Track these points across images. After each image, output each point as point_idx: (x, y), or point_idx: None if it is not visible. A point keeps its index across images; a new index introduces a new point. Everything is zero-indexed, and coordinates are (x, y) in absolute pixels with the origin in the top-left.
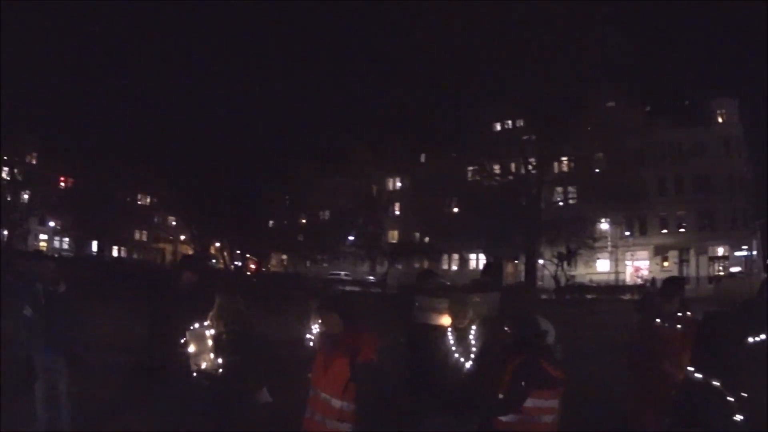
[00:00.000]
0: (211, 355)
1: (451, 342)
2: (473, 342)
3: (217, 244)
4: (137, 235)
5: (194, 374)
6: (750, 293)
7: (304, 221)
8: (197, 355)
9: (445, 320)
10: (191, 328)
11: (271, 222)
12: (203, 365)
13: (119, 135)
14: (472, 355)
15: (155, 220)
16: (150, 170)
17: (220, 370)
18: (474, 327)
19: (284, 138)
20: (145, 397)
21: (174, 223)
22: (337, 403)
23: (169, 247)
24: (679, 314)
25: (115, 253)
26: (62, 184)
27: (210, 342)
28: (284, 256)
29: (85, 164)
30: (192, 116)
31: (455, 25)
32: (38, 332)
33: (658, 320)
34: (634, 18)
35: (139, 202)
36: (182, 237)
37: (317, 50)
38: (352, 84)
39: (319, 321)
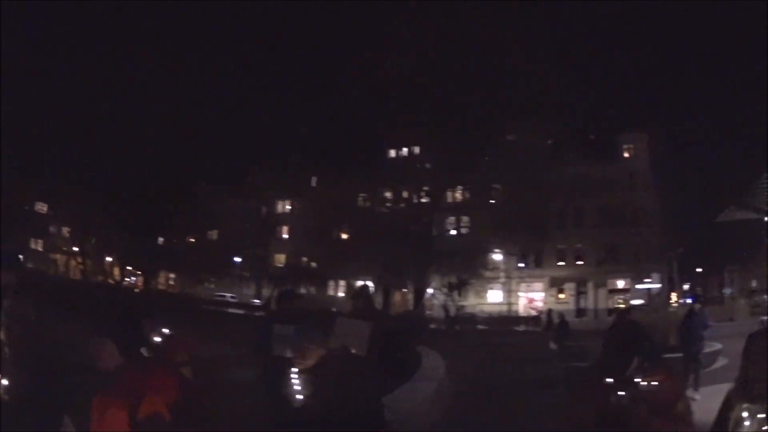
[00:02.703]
0: None
1: (297, 385)
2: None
3: (109, 259)
4: (33, 244)
5: None
6: (657, 325)
7: (193, 240)
8: None
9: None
10: None
11: (161, 239)
12: None
13: (16, 141)
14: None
15: (51, 229)
16: (46, 178)
17: (5, 396)
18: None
19: (179, 156)
20: None
21: (69, 234)
22: None
23: (64, 259)
24: None
25: None
26: None
27: None
28: (172, 275)
29: None
30: (90, 128)
31: (355, 52)
32: None
33: None
34: (541, 52)
35: (36, 210)
36: (75, 249)
37: (216, 71)
38: (249, 105)
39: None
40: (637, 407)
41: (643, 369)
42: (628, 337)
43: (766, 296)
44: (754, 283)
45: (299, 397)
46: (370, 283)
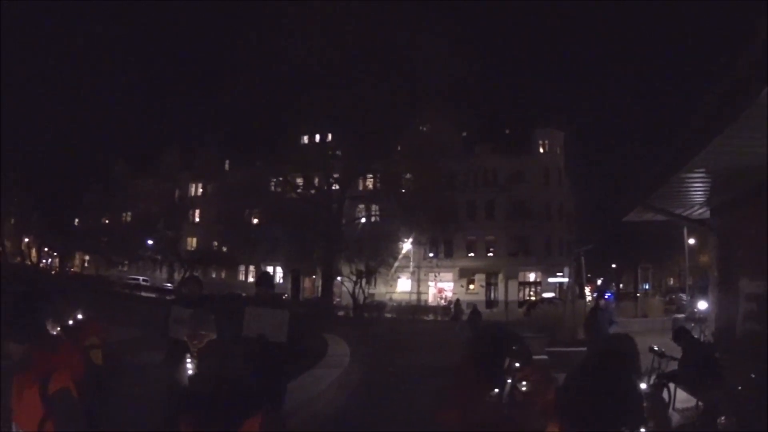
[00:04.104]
0: None
1: (189, 369)
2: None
3: (26, 240)
4: None
5: None
6: (566, 318)
7: (107, 222)
8: None
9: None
10: None
11: (77, 220)
12: None
13: None
14: None
15: None
16: None
17: None
18: None
19: (96, 136)
20: None
21: None
22: None
23: None
24: None
25: None
26: None
27: None
28: (87, 257)
29: None
30: (5, 109)
31: (272, 37)
32: None
33: None
34: (459, 45)
35: None
36: None
37: (132, 51)
38: (165, 85)
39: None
40: (510, 407)
41: (514, 369)
42: (497, 337)
43: (681, 294)
44: (671, 281)
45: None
46: (279, 269)
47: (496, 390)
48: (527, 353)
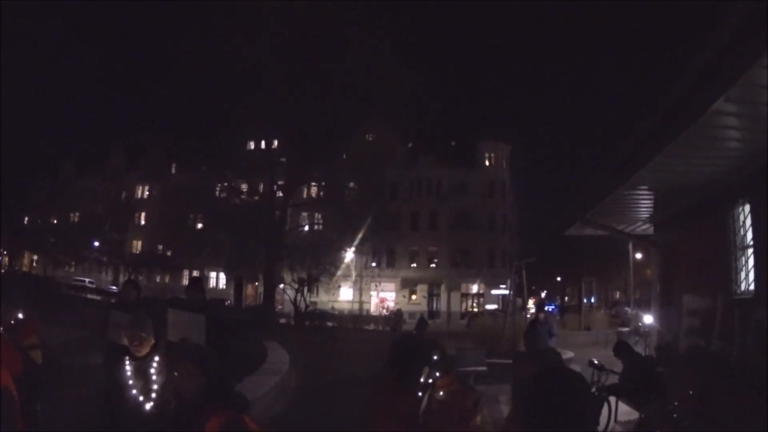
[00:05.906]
0: None
1: (128, 371)
2: (154, 377)
3: None
4: None
5: None
6: (506, 330)
7: (54, 221)
8: None
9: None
10: None
11: (26, 219)
12: None
13: None
14: (154, 395)
15: None
16: None
17: None
18: (157, 357)
19: (44, 134)
20: None
21: None
22: None
23: None
24: None
25: None
26: None
27: None
28: (35, 257)
29: None
30: None
31: (218, 41)
32: None
33: None
34: (406, 55)
35: None
36: None
37: (81, 50)
38: (113, 85)
39: None
40: (427, 416)
41: (432, 378)
42: (415, 346)
43: (626, 308)
44: (617, 295)
45: (129, 381)
46: (222, 275)
47: (415, 399)
48: (447, 363)
